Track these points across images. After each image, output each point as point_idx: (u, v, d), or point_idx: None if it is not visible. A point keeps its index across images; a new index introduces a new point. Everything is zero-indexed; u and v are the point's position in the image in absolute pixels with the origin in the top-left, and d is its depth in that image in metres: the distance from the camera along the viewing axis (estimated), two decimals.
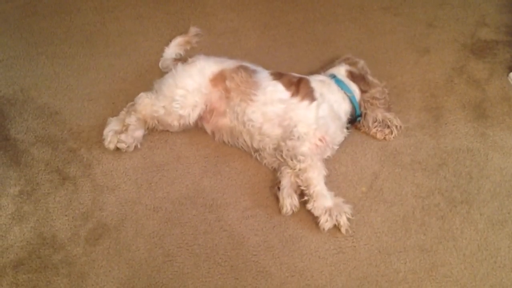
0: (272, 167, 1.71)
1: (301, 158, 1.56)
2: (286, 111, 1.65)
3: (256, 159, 1.72)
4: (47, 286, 1.46)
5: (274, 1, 2.36)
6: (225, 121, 1.71)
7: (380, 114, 1.77)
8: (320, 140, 1.62)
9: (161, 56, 2.02)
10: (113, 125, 1.74)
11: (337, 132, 1.69)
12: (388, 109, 1.80)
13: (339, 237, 1.56)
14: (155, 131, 1.80)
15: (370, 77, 1.82)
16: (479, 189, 1.69)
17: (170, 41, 2.07)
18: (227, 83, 1.70)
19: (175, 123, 1.71)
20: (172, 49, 2.03)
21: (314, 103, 1.66)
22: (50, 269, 1.49)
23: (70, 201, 1.63)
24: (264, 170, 1.72)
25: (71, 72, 2.02)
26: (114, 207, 1.62)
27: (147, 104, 1.72)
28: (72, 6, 2.30)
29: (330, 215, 1.53)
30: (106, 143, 1.70)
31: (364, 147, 1.80)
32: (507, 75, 2.04)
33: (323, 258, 1.52)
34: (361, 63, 1.86)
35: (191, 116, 1.70)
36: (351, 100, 1.76)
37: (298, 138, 1.60)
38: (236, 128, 1.69)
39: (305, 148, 1.59)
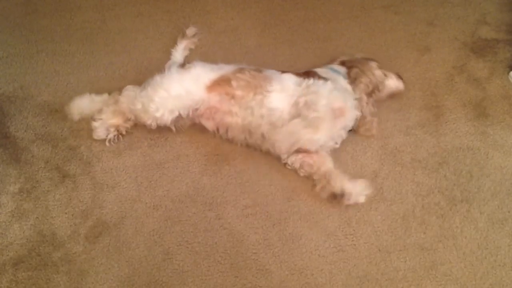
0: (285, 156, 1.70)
1: (319, 108, 1.56)
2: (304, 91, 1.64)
3: (268, 151, 1.71)
4: (46, 283, 1.46)
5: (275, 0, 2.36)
6: (235, 120, 1.67)
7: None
8: (338, 110, 1.61)
9: (170, 59, 2.00)
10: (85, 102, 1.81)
11: (353, 109, 1.67)
12: (370, 95, 1.80)
13: (339, 235, 1.57)
14: (155, 129, 1.79)
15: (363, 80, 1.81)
16: (479, 187, 1.69)
17: (176, 44, 2.04)
18: (233, 83, 1.65)
19: (150, 122, 1.70)
20: (180, 54, 2.01)
21: (329, 81, 1.66)
22: (50, 266, 1.49)
23: (70, 198, 1.63)
24: (264, 169, 1.72)
25: (71, 70, 2.02)
26: (114, 205, 1.62)
27: (129, 96, 1.73)
28: (72, 4, 2.29)
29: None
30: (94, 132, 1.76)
31: (364, 145, 1.79)
32: (508, 74, 2.04)
33: (323, 256, 1.52)
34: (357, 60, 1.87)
35: (166, 118, 1.68)
36: None
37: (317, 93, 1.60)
38: (252, 124, 1.65)
39: (324, 101, 1.57)
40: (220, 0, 2.34)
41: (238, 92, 1.65)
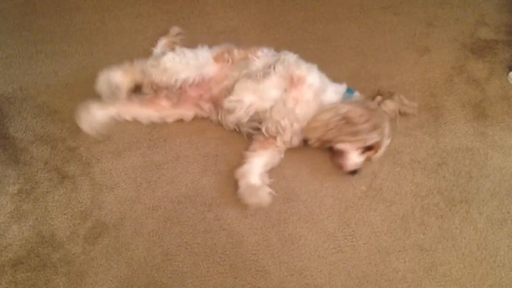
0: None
1: (277, 67, 1.63)
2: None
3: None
4: (46, 284, 1.46)
5: (274, 0, 2.35)
6: (228, 83, 1.72)
7: None
8: (296, 77, 1.64)
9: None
10: None
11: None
12: None
13: (338, 236, 1.57)
14: (154, 130, 1.80)
15: None
16: (479, 188, 1.69)
17: (156, 42, 2.06)
18: (235, 52, 1.77)
19: (159, 78, 1.72)
20: (160, 49, 2.03)
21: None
22: (49, 267, 1.49)
23: (69, 199, 1.63)
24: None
25: (70, 71, 2.02)
26: (113, 205, 1.62)
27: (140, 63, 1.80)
28: (72, 5, 2.29)
29: None
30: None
31: None
32: (507, 75, 2.04)
33: (322, 257, 1.52)
34: None
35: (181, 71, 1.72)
36: None
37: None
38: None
39: (285, 64, 1.64)
40: (220, 1, 2.34)
41: (237, 57, 1.76)
